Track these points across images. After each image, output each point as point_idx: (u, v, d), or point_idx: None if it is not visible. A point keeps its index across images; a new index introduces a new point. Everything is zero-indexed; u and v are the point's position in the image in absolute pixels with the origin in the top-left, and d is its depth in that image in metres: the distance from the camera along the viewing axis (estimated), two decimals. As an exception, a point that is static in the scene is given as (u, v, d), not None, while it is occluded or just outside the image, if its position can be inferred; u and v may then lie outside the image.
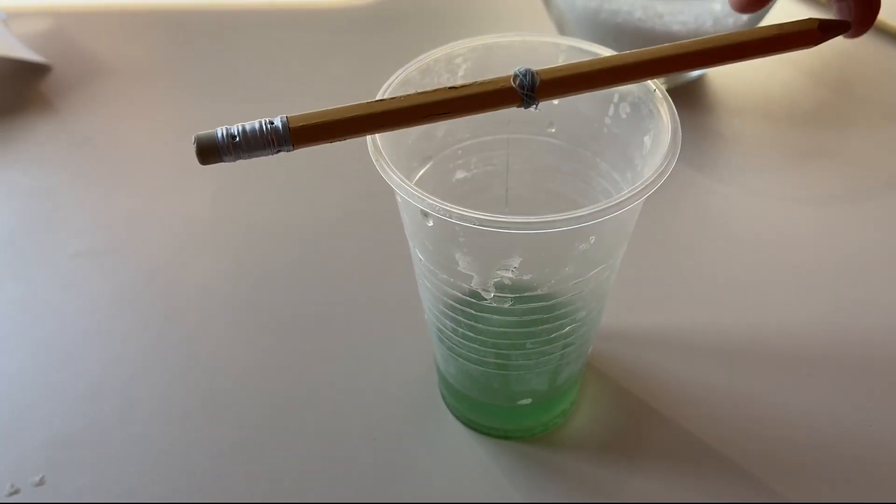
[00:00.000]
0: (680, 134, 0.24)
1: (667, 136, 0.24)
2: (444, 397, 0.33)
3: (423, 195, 0.22)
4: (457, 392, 0.32)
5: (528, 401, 0.30)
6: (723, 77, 0.48)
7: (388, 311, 0.37)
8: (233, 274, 0.39)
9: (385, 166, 0.23)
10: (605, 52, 0.27)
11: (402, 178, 0.23)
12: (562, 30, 0.47)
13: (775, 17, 0.48)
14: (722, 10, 0.42)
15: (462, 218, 0.22)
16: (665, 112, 0.25)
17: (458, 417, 0.33)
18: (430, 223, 0.24)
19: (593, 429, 0.33)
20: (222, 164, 0.21)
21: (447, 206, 0.22)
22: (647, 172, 0.26)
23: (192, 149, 0.21)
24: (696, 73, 0.46)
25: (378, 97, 0.26)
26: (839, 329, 0.36)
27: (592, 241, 0.24)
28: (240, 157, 0.21)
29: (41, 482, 0.32)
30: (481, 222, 0.22)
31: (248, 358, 0.36)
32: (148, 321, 0.37)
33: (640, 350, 0.35)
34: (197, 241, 0.41)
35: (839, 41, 0.24)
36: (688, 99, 0.47)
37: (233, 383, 0.35)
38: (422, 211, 0.23)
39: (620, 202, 0.22)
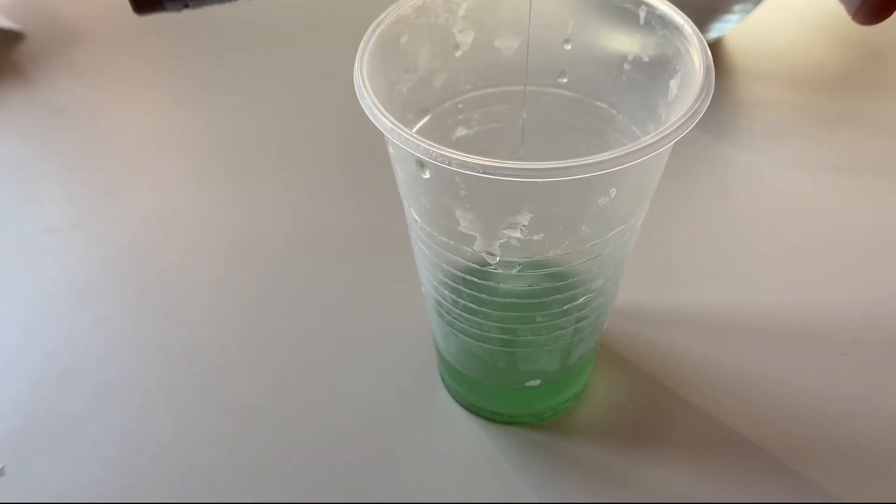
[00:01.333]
0: (713, 71, 0.21)
1: (697, 78, 0.21)
2: (443, 380, 0.30)
3: (418, 140, 0.19)
4: (458, 374, 0.29)
5: (536, 382, 0.27)
6: (742, 40, 0.45)
7: (380, 288, 0.34)
8: (213, 251, 0.36)
9: (373, 106, 0.20)
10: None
11: (393, 120, 0.20)
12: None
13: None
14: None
15: (463, 165, 0.19)
16: (695, 50, 0.22)
17: (459, 402, 0.30)
18: (427, 175, 0.21)
19: (607, 414, 0.30)
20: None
21: (446, 151, 0.19)
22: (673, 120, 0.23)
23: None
24: (713, 34, 0.43)
25: (367, 37, 0.23)
26: (872, 306, 0.33)
27: (613, 195, 0.20)
28: (186, 6, 0.18)
29: (1, 473, 0.29)
30: (485, 169, 0.19)
31: (230, 340, 0.33)
32: (121, 301, 0.34)
33: (657, 329, 0.32)
34: (175, 216, 0.38)
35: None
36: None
37: (214, 368, 0.32)
38: (417, 160, 0.20)
39: (648, 145, 0.19)
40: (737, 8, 0.41)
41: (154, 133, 0.42)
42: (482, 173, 0.19)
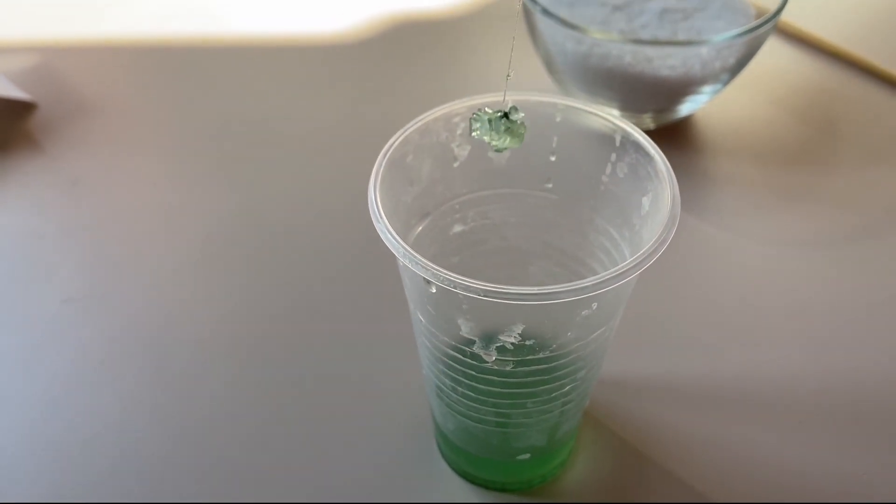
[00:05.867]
0: (679, 203, 0.24)
1: (666, 202, 0.25)
2: (440, 449, 0.33)
3: (427, 265, 0.22)
4: (454, 446, 0.32)
5: (526, 456, 0.30)
6: (709, 116, 0.49)
7: (383, 357, 0.37)
8: (227, 322, 0.39)
9: (387, 232, 0.23)
10: (603, 111, 0.27)
11: (405, 246, 0.23)
12: (549, 69, 0.48)
13: (763, 59, 0.49)
14: (709, 55, 0.42)
15: (466, 289, 0.22)
16: (663, 178, 0.25)
17: (455, 469, 0.33)
18: (434, 290, 0.24)
19: (591, 479, 0.33)
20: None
21: (451, 276, 0.22)
22: (644, 233, 0.26)
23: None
24: (685, 112, 0.47)
25: (380, 159, 0.26)
26: (832, 375, 0.36)
27: (595, 308, 0.24)
28: None
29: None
30: (486, 293, 0.22)
31: (243, 410, 0.35)
32: (140, 370, 0.37)
33: (636, 398, 0.35)
34: (190, 286, 0.41)
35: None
36: (674, 139, 0.48)
37: (229, 438, 0.34)
38: (424, 279, 0.23)
39: (623, 272, 0.22)
40: (706, 89, 0.45)
41: (167, 204, 0.45)
42: (482, 296, 0.22)
